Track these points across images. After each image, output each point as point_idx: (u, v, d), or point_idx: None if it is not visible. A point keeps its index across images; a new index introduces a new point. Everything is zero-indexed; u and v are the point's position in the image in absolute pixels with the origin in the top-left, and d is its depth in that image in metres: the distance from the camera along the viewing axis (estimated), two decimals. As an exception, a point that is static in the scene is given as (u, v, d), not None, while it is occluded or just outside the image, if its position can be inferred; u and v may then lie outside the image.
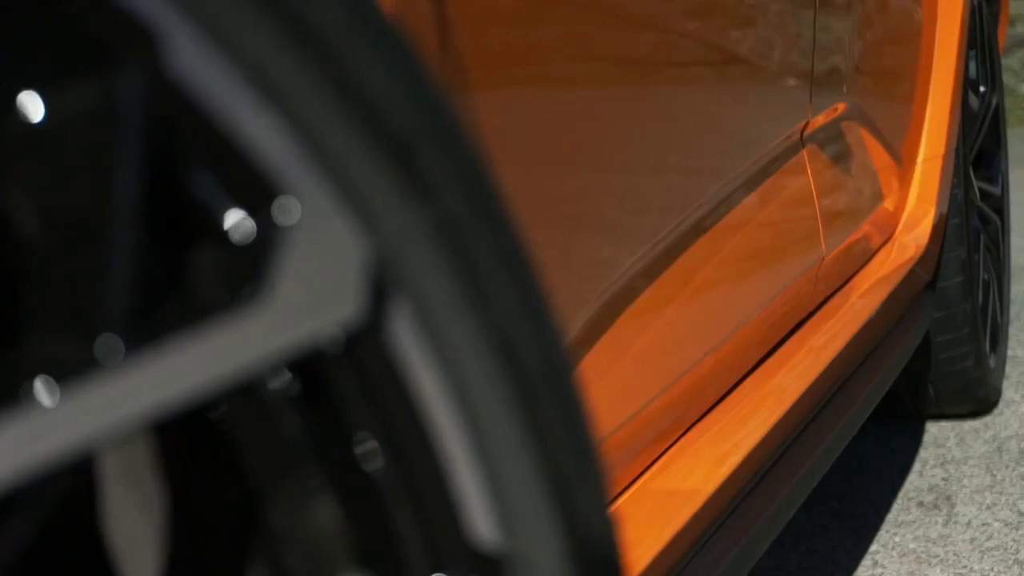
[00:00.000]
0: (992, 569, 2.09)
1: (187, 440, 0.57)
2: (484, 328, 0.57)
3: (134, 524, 0.59)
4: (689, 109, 1.45)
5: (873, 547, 2.21)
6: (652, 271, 1.38)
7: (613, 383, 1.31)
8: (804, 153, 1.86)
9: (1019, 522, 2.25)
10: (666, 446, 1.43)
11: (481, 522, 0.57)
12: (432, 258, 0.56)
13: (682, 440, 1.46)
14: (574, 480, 0.59)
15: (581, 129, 1.22)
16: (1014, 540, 2.18)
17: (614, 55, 1.27)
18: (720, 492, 1.39)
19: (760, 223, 1.66)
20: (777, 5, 1.72)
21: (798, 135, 1.84)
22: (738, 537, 1.40)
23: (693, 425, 1.49)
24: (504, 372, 0.57)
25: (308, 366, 0.55)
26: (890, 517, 2.33)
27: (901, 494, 2.43)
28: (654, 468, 1.40)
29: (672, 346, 1.41)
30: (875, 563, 2.15)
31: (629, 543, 1.27)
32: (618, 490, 1.34)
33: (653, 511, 1.32)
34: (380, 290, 0.55)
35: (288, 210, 0.53)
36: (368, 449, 0.56)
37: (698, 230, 1.48)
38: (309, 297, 0.53)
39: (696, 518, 1.34)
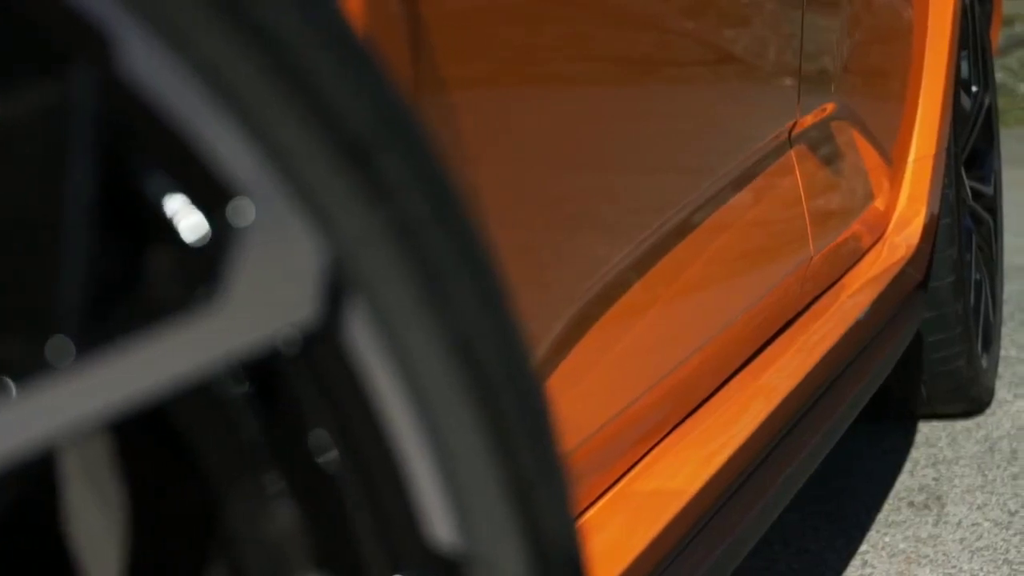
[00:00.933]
0: (981, 569, 2.09)
1: (146, 441, 0.57)
2: (443, 330, 0.57)
3: (94, 525, 0.59)
4: (672, 109, 1.45)
5: (863, 547, 2.21)
6: (636, 271, 1.38)
7: (596, 383, 1.31)
8: (792, 153, 1.85)
9: (1009, 522, 2.25)
10: (651, 446, 1.43)
11: (440, 524, 0.57)
12: (390, 260, 0.56)
13: (667, 440, 1.46)
14: (535, 481, 0.59)
15: (563, 128, 1.22)
16: (1004, 540, 2.18)
17: (596, 53, 1.27)
18: (704, 492, 1.39)
19: (747, 223, 1.66)
20: (764, 4, 1.72)
21: (786, 135, 1.84)
22: (722, 537, 1.40)
23: (678, 425, 1.49)
24: (463, 374, 0.57)
25: (265, 368, 0.55)
26: (880, 517, 2.33)
27: (892, 494, 2.43)
28: (638, 468, 1.40)
29: (656, 346, 1.41)
30: (864, 563, 2.15)
31: (612, 542, 1.27)
32: (601, 490, 1.34)
33: (637, 511, 1.32)
34: (337, 292, 0.55)
35: (243, 212, 0.53)
36: (325, 450, 0.56)
37: (683, 230, 1.48)
38: (265, 299, 0.53)
39: (680, 518, 1.34)
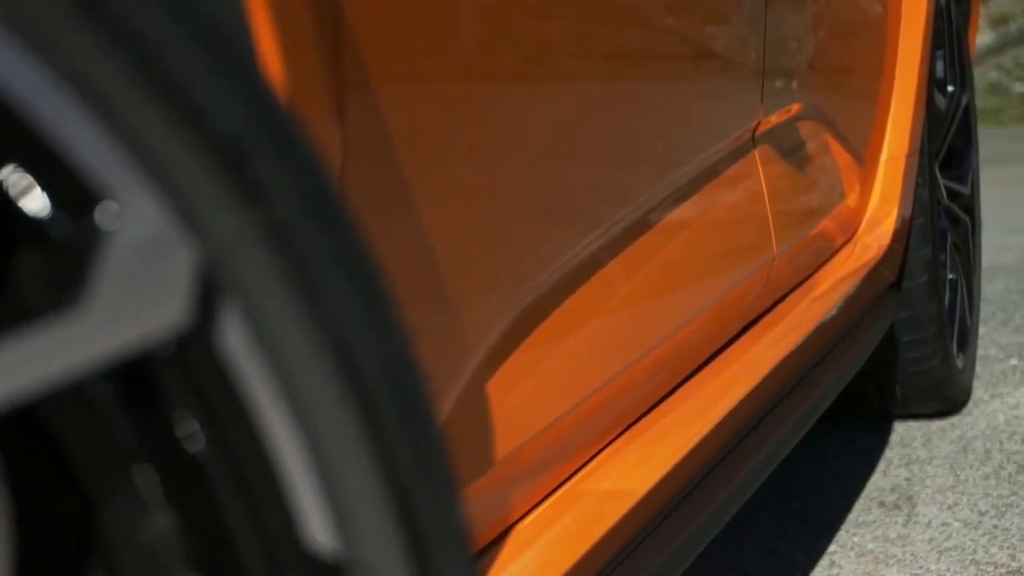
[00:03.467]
0: (948, 569, 2.08)
1: (20, 445, 0.57)
2: (320, 333, 0.56)
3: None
4: (626, 106, 1.44)
5: (831, 547, 2.21)
6: (588, 268, 1.37)
7: (545, 380, 1.30)
8: (755, 154, 1.85)
9: (979, 522, 2.25)
10: (603, 445, 1.43)
11: (318, 528, 0.57)
12: (264, 263, 0.55)
13: (620, 439, 1.45)
14: (417, 484, 0.59)
15: (513, 124, 1.21)
16: (972, 540, 2.18)
17: (545, 47, 1.26)
18: (655, 493, 1.39)
19: (706, 223, 1.66)
20: (724, 1, 1.71)
21: (749, 135, 1.83)
22: (673, 539, 1.39)
23: (632, 425, 1.49)
24: (342, 377, 0.57)
25: (138, 371, 0.55)
26: (851, 517, 2.33)
27: (864, 494, 2.43)
28: (589, 467, 1.39)
29: (607, 346, 1.41)
30: (832, 563, 2.15)
31: (558, 540, 1.27)
32: (550, 488, 1.33)
33: (585, 510, 1.32)
34: (209, 294, 0.55)
35: (112, 214, 0.53)
36: (201, 454, 0.56)
37: (638, 229, 1.48)
38: (134, 301, 0.53)
39: (629, 518, 1.34)
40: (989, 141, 8.60)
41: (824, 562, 2.16)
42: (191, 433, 0.56)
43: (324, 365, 0.56)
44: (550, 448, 1.32)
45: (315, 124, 0.87)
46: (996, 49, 11.06)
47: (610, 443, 1.46)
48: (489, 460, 1.20)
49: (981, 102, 10.61)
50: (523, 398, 1.26)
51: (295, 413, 0.56)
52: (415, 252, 1.06)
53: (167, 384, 0.55)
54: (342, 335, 0.57)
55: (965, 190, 2.95)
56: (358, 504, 0.58)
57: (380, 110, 0.96)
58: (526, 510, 1.29)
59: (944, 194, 2.83)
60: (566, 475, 1.36)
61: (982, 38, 11.09)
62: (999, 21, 11.20)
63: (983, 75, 10.95)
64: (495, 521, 1.24)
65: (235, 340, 0.55)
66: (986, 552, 2.13)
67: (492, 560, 1.21)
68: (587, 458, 1.40)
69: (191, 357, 0.55)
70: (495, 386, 1.20)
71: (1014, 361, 3.14)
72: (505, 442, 1.21)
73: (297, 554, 0.57)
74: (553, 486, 1.35)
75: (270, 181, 0.55)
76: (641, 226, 1.49)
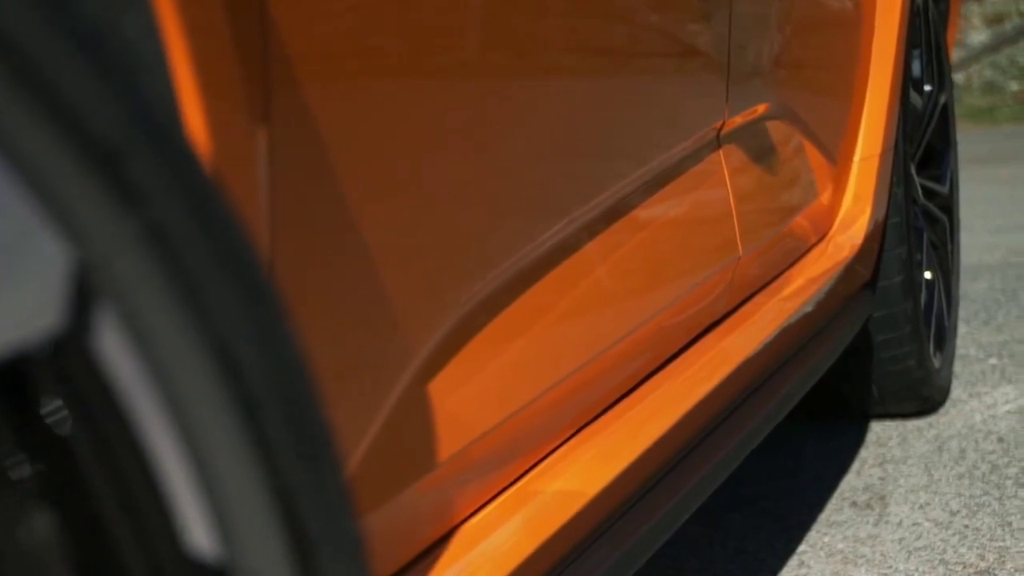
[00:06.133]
0: (917, 569, 2.08)
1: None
2: (200, 337, 0.56)
3: None
4: (583, 104, 1.44)
5: (801, 547, 2.21)
6: (541, 268, 1.37)
7: (494, 380, 1.30)
8: (720, 153, 1.85)
9: (950, 522, 2.24)
10: (554, 446, 1.43)
11: (200, 533, 0.57)
12: (141, 265, 0.55)
13: (572, 440, 1.45)
14: (305, 489, 0.59)
15: (465, 122, 1.21)
16: (942, 540, 2.18)
17: (493, 42, 1.26)
18: (606, 495, 1.38)
19: (665, 224, 1.66)
20: None
21: (714, 135, 1.83)
22: (624, 540, 1.39)
23: (586, 426, 1.49)
24: (223, 380, 0.57)
25: (10, 374, 0.54)
26: (822, 517, 2.33)
27: (836, 494, 2.43)
28: (540, 467, 1.39)
29: (559, 345, 1.41)
30: (801, 563, 2.15)
31: (505, 540, 1.27)
32: (499, 488, 1.33)
33: (533, 510, 1.32)
34: (85, 299, 0.54)
35: (-18, 217, 0.52)
36: (79, 459, 0.56)
37: (593, 228, 1.48)
38: (5, 305, 0.53)
39: (579, 519, 1.33)
40: (983, 140, 8.61)
41: (793, 562, 2.15)
42: (68, 438, 0.55)
43: (204, 368, 0.56)
44: (500, 447, 1.31)
45: (238, 124, 0.86)
46: (991, 48, 11.05)
47: (565, 442, 1.46)
48: (434, 458, 1.19)
49: (976, 101, 10.62)
50: (471, 397, 1.26)
51: (174, 417, 0.56)
52: (359, 249, 1.06)
53: (42, 387, 0.55)
54: (223, 338, 0.57)
55: (943, 189, 2.94)
56: (240, 509, 0.57)
57: (310, 107, 0.95)
58: (474, 509, 1.29)
59: (920, 193, 2.82)
60: (518, 474, 1.35)
61: (977, 37, 11.07)
62: (994, 20, 11.19)
63: (978, 74, 10.94)
64: (441, 520, 1.24)
65: (112, 343, 0.55)
66: (956, 552, 2.13)
67: (436, 558, 1.21)
68: (540, 457, 1.40)
69: (67, 360, 0.55)
70: (441, 384, 1.20)
71: (993, 361, 3.14)
72: (452, 441, 1.21)
73: (178, 559, 0.57)
74: (504, 485, 1.34)
75: (147, 183, 0.55)
76: (598, 224, 1.49)
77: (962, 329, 3.40)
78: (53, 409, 0.55)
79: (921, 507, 2.32)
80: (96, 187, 0.54)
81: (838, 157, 2.39)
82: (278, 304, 0.59)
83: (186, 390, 0.56)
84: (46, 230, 0.53)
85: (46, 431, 0.55)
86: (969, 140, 7.94)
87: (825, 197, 2.34)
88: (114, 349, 0.55)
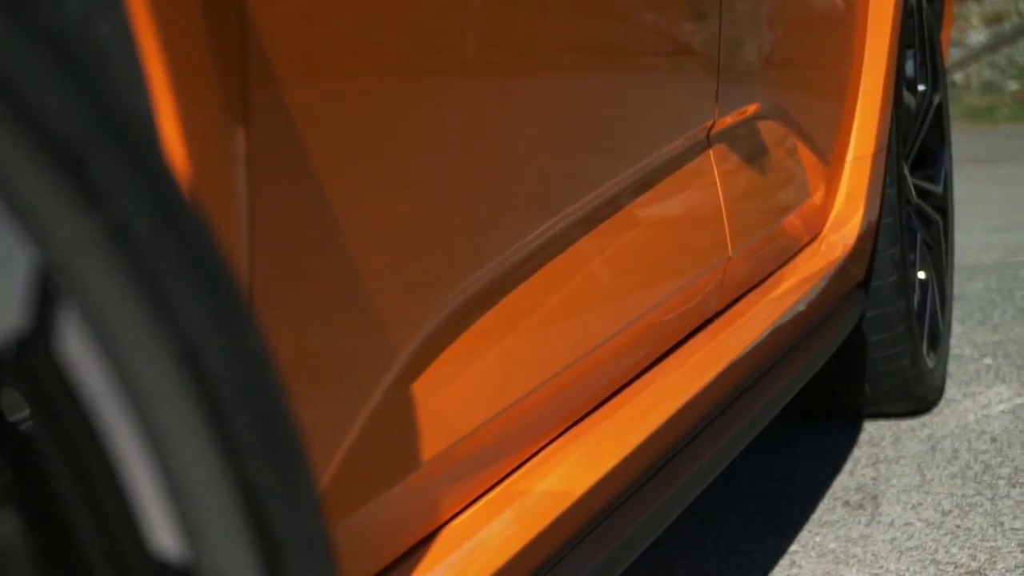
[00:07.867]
0: (908, 569, 2.08)
1: None
2: (164, 338, 0.56)
3: None
4: (571, 104, 1.43)
5: (793, 547, 2.21)
6: (528, 267, 1.37)
7: (480, 379, 1.30)
8: (710, 153, 1.84)
9: (941, 522, 2.24)
10: (541, 446, 1.42)
11: (164, 534, 0.57)
12: (105, 266, 0.55)
13: (559, 440, 1.45)
14: (271, 489, 0.59)
15: (455, 121, 1.20)
16: (934, 540, 2.17)
17: (482, 41, 1.26)
18: (593, 494, 1.38)
19: (654, 223, 1.65)
20: None
21: (704, 135, 1.83)
22: (610, 541, 1.39)
23: (573, 426, 1.48)
24: (188, 380, 0.56)
25: (-27, 375, 0.54)
26: (815, 517, 2.32)
27: (829, 493, 2.43)
28: (526, 467, 1.39)
29: (546, 345, 1.40)
30: (793, 563, 2.14)
31: (490, 539, 1.26)
32: (484, 488, 1.33)
33: (519, 511, 1.31)
34: (48, 298, 0.54)
35: (-56, 217, 0.52)
36: (43, 459, 0.56)
37: (581, 227, 1.47)
38: (-33, 305, 0.52)
39: (564, 519, 1.33)
40: (982, 139, 8.61)
41: (784, 562, 2.15)
42: (32, 438, 0.55)
43: (169, 369, 0.56)
44: (487, 446, 1.31)
45: (216, 124, 0.86)
46: (990, 47, 11.05)
47: (553, 441, 1.45)
48: (420, 457, 1.19)
49: (974, 100, 10.62)
50: (457, 395, 1.26)
51: (138, 417, 0.56)
52: (341, 248, 1.06)
53: (4, 388, 0.55)
54: (188, 338, 0.56)
55: (937, 189, 2.94)
56: (205, 509, 0.57)
57: (289, 107, 0.95)
58: (460, 508, 1.28)
59: (914, 193, 2.82)
60: (504, 473, 1.35)
61: (976, 36, 11.07)
62: (993, 19, 11.19)
63: (977, 73, 10.94)
64: (427, 519, 1.24)
65: (75, 343, 0.55)
66: (947, 552, 2.13)
67: (421, 558, 1.21)
68: (528, 456, 1.40)
69: (30, 360, 0.54)
70: (427, 382, 1.19)
71: (988, 360, 3.13)
72: (438, 439, 1.21)
73: (144, 559, 0.57)
74: (490, 484, 1.34)
75: (110, 183, 0.55)
76: (585, 223, 1.49)
77: (957, 329, 3.40)
78: (15, 408, 0.55)
79: (913, 507, 2.32)
80: (57, 186, 0.54)
81: (831, 157, 2.39)
82: (243, 302, 0.58)
83: (150, 390, 0.56)
84: (7, 230, 0.53)
85: (9, 431, 0.55)
86: (967, 140, 7.95)
87: (818, 197, 2.34)
88: (78, 349, 0.55)
